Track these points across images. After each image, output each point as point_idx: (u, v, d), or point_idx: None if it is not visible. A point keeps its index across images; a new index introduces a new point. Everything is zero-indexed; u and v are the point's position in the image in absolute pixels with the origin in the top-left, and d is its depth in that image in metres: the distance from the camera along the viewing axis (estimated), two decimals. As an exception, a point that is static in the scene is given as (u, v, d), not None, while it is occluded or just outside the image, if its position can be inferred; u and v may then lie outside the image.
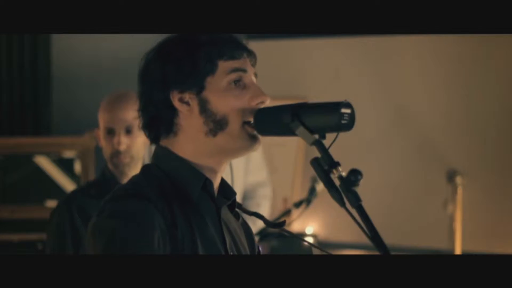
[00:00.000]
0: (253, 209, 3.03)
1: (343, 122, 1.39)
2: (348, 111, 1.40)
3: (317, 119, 1.40)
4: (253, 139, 1.48)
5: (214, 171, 1.50)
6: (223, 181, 1.54)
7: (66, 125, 3.88)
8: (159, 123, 1.50)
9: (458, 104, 3.75)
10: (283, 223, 1.59)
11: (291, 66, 4.00)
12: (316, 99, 1.50)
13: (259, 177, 3.20)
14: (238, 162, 3.13)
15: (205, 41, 1.48)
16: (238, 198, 3.14)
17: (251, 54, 1.52)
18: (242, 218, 1.63)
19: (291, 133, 1.43)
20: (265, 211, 3.19)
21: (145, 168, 1.52)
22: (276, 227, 1.59)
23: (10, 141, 3.58)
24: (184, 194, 1.46)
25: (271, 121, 1.45)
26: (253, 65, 1.52)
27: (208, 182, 1.48)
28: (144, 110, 1.51)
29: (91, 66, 4.01)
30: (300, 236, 3.52)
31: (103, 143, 2.34)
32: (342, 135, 1.40)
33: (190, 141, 1.48)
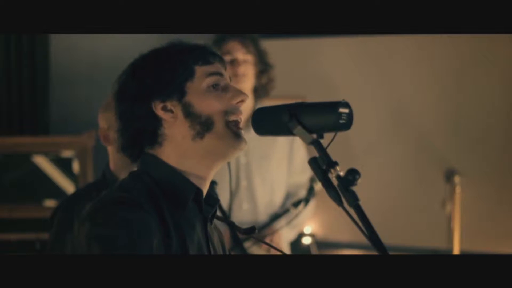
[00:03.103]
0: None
1: (341, 121, 1.39)
2: (346, 110, 1.40)
3: (315, 119, 1.40)
4: (238, 138, 1.49)
5: (202, 179, 1.50)
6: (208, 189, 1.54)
7: (64, 125, 3.87)
8: (142, 137, 1.49)
9: (457, 104, 3.74)
10: (253, 229, 1.59)
11: (291, 66, 3.99)
12: (315, 99, 1.49)
13: (301, 179, 3.17)
14: (280, 163, 3.12)
15: (178, 50, 1.50)
16: (281, 199, 3.13)
17: (221, 60, 1.55)
18: (213, 222, 1.62)
19: (289, 132, 1.43)
20: (305, 213, 3.14)
21: (134, 175, 1.50)
22: (247, 233, 1.59)
23: (8, 140, 3.57)
24: (175, 203, 1.46)
25: (269, 121, 1.46)
26: (225, 69, 1.55)
27: (199, 192, 1.49)
28: (125, 128, 1.51)
29: (89, 65, 4.01)
30: (299, 235, 3.53)
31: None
32: (341, 135, 1.40)
33: (176, 149, 1.48)
